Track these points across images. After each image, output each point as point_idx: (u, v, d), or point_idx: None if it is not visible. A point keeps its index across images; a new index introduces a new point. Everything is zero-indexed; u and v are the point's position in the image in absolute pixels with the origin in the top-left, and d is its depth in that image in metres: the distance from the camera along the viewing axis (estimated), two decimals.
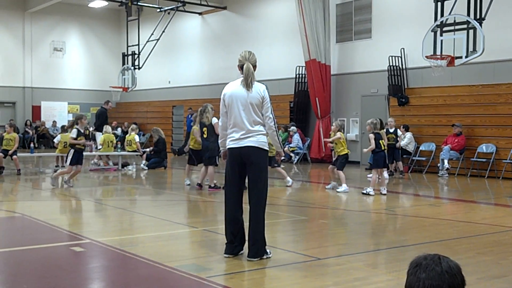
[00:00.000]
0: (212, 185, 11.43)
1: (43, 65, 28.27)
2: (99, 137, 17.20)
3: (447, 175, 14.89)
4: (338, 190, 11.38)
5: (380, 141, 11.29)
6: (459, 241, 6.83)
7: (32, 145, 17.34)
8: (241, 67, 5.77)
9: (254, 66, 5.81)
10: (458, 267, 2.03)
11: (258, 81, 5.83)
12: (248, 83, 5.69)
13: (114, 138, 16.98)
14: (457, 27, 13.47)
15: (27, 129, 26.80)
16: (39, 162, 16.09)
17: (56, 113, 28.40)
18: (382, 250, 6.41)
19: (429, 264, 2.00)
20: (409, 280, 2.03)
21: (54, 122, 27.63)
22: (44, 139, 27.02)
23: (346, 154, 11.54)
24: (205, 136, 11.39)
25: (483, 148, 14.96)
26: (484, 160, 14.84)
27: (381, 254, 6.27)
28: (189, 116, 24.44)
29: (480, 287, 4.86)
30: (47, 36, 28.31)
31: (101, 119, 17.93)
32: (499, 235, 7.30)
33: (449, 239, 7.00)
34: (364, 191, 10.92)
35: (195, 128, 11.94)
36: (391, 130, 14.75)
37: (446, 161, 14.80)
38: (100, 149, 16.70)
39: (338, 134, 11.45)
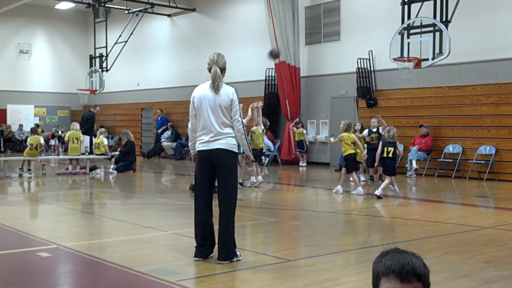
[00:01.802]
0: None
1: (9, 67, 27.74)
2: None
3: (415, 175, 15.09)
4: (333, 190, 11.48)
5: (385, 148, 11.05)
6: (426, 241, 6.92)
7: None
8: (209, 70, 5.75)
9: (223, 69, 5.78)
10: (420, 257, 2.13)
11: (228, 84, 5.82)
12: (215, 87, 5.68)
13: (81, 135, 16.57)
14: (423, 29, 13.65)
15: None
16: (5, 166, 15.78)
17: (22, 116, 27.92)
18: (351, 251, 6.45)
19: (392, 251, 2.11)
20: (373, 268, 2.11)
21: (21, 125, 27.14)
22: (10, 142, 26.51)
23: (349, 154, 11.41)
24: None
25: (450, 148, 15.22)
26: (450, 160, 15.09)
27: (351, 254, 6.31)
28: (158, 118, 24.33)
29: (447, 286, 4.93)
30: (12, 38, 27.80)
31: (90, 123, 17.72)
32: (465, 234, 7.42)
33: (417, 239, 7.09)
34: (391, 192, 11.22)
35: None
36: (374, 130, 14.61)
37: (414, 162, 14.98)
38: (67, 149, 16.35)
39: (342, 135, 11.44)
